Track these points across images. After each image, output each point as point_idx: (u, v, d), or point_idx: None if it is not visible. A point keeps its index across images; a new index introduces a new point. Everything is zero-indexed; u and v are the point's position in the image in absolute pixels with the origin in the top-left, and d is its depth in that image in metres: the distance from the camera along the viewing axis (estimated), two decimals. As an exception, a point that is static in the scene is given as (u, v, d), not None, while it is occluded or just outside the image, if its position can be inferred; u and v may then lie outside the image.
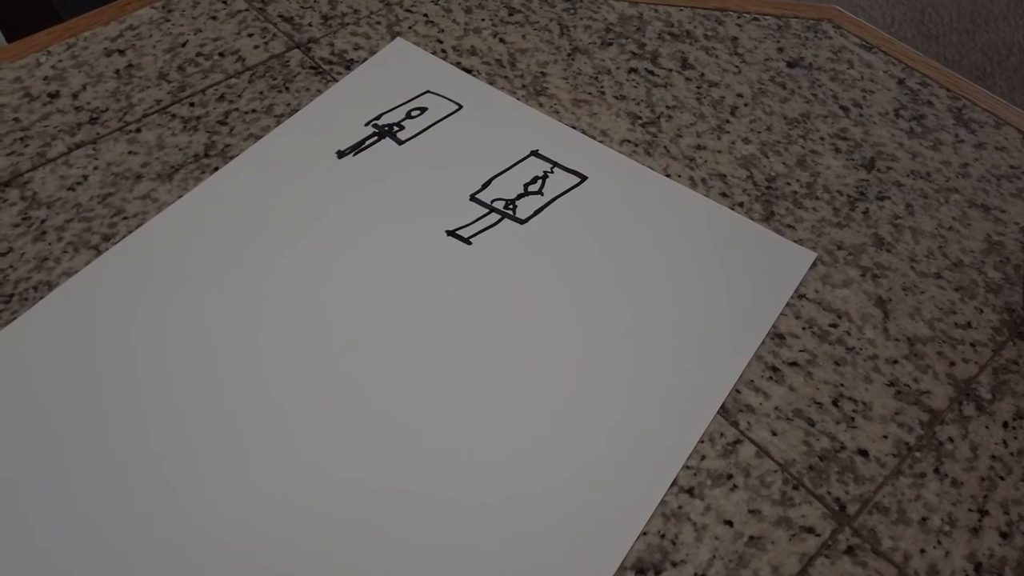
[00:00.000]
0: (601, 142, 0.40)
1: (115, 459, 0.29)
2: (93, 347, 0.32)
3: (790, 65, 0.45)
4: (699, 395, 0.32)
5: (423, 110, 0.41)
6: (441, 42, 0.44)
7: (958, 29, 1.84)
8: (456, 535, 0.28)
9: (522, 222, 0.36)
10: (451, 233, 0.36)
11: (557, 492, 0.29)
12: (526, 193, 0.37)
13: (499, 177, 0.38)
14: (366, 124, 0.40)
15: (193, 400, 0.31)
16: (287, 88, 0.42)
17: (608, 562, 0.28)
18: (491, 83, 0.42)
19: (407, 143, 0.39)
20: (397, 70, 0.42)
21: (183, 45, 0.44)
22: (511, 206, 0.37)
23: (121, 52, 0.43)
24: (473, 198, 0.37)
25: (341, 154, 0.39)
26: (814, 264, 0.36)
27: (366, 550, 0.27)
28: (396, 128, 0.40)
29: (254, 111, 0.41)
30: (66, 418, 0.30)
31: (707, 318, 0.34)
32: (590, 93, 0.43)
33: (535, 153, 0.39)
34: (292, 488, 0.29)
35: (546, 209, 0.37)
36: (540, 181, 0.38)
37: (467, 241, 0.36)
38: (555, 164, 0.39)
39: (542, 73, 0.43)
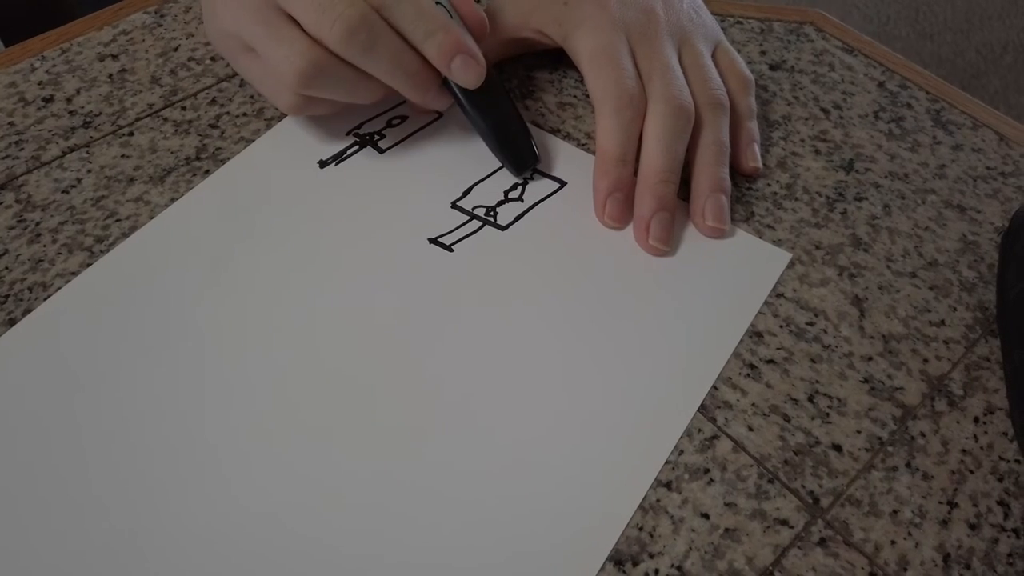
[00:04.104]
0: (584, 144, 0.41)
1: (117, 466, 0.30)
2: (88, 356, 0.32)
3: (772, 68, 0.45)
4: (680, 393, 0.32)
5: (403, 118, 0.41)
6: (429, 46, 0.45)
7: (952, 28, 1.85)
8: (440, 535, 0.29)
9: (503, 228, 0.37)
10: (433, 241, 0.37)
11: (540, 491, 0.30)
12: (506, 200, 0.38)
13: (480, 184, 0.39)
14: (347, 133, 0.40)
15: (186, 407, 0.31)
16: (277, 92, 0.42)
17: (592, 557, 0.28)
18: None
19: (388, 151, 0.40)
20: None
21: (175, 50, 0.44)
22: (492, 213, 0.38)
23: (114, 57, 0.44)
24: (454, 205, 0.38)
25: (323, 164, 0.39)
26: (792, 264, 0.37)
27: (350, 546, 0.28)
28: (377, 137, 0.40)
29: (245, 115, 0.41)
30: (63, 427, 0.31)
31: (686, 318, 0.34)
32: (575, 96, 0.43)
33: None
34: (283, 490, 0.29)
35: (526, 215, 0.38)
36: (520, 188, 0.39)
37: (449, 248, 0.36)
38: (534, 170, 0.39)
39: (528, 76, 0.44)
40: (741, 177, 0.40)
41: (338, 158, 0.39)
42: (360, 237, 0.36)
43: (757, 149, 0.40)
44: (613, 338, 0.34)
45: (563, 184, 0.39)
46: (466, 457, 0.30)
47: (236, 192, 0.38)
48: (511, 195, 0.38)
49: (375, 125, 0.41)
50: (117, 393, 0.31)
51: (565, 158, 0.40)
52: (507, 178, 0.39)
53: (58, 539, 0.28)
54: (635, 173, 0.37)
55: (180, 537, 0.28)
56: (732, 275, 0.36)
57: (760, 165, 0.40)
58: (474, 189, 0.38)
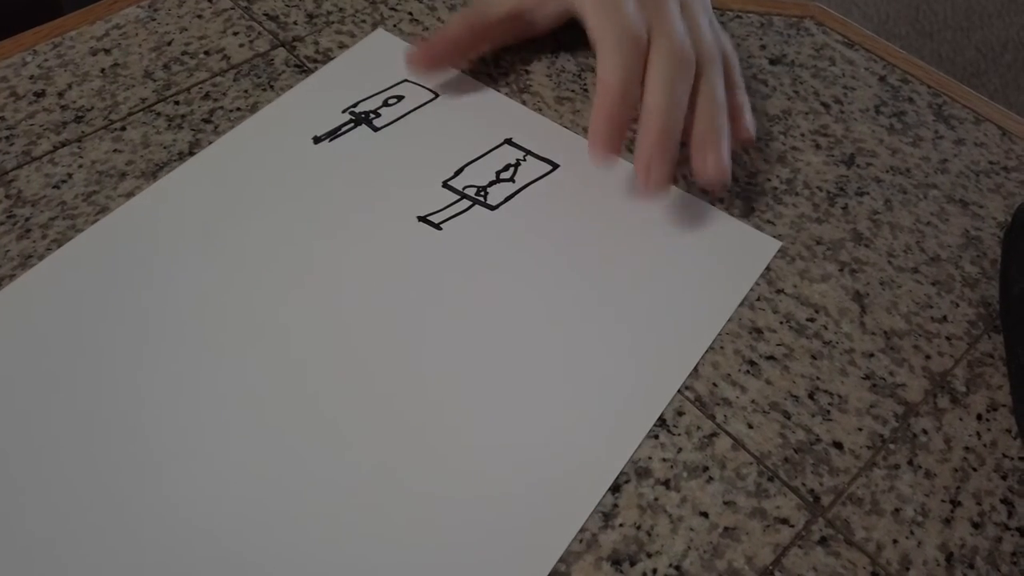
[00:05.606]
0: (581, 137, 0.40)
1: (98, 450, 0.29)
2: (63, 334, 0.32)
3: (772, 62, 0.45)
4: (660, 375, 0.32)
5: (400, 98, 0.41)
6: (426, 40, 0.45)
7: (952, 26, 1.85)
8: (416, 515, 0.28)
9: (492, 208, 0.37)
10: (422, 219, 0.36)
11: (519, 469, 0.30)
12: (498, 180, 0.38)
13: (472, 164, 0.39)
14: (343, 111, 0.40)
15: (166, 388, 0.31)
16: (271, 86, 0.42)
17: (558, 540, 0.28)
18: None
19: (383, 130, 0.40)
20: (377, 59, 0.43)
21: (168, 44, 0.44)
22: (482, 193, 0.37)
23: (107, 51, 0.44)
24: (445, 185, 0.38)
25: (317, 140, 0.39)
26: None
27: (324, 535, 0.28)
28: (372, 115, 0.40)
29: (239, 109, 0.41)
30: (34, 409, 0.30)
31: (673, 302, 0.34)
32: (573, 91, 0.43)
33: (509, 141, 0.40)
34: (266, 476, 0.29)
35: (517, 196, 0.37)
36: (512, 169, 0.38)
37: (437, 227, 0.36)
38: (528, 152, 0.39)
39: (525, 71, 0.44)
40: (741, 172, 0.39)
41: (332, 135, 0.39)
42: (349, 213, 0.36)
43: (748, 115, 0.38)
44: (598, 320, 0.33)
45: (556, 166, 0.39)
46: (443, 441, 0.30)
47: (229, 163, 0.38)
48: (503, 176, 0.38)
49: (371, 104, 0.41)
50: (98, 374, 0.31)
51: (559, 140, 0.40)
52: (499, 159, 0.39)
53: (48, 526, 0.27)
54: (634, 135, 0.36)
55: (165, 523, 0.28)
56: (721, 261, 0.36)
57: (753, 135, 0.38)
58: (466, 169, 0.38)
